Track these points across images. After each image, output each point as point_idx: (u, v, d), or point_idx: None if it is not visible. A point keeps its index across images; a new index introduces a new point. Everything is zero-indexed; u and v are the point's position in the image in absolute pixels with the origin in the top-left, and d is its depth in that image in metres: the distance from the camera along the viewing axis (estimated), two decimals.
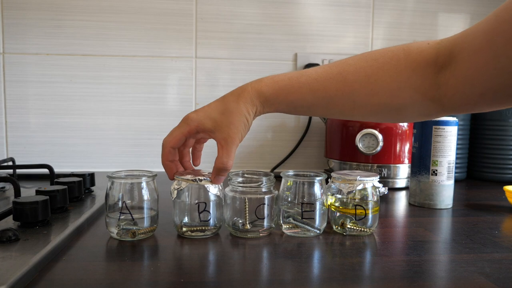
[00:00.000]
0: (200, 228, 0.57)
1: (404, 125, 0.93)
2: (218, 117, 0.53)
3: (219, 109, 0.53)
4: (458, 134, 0.99)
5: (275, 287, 0.43)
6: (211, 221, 0.57)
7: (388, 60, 0.50)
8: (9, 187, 0.83)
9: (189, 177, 0.55)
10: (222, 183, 0.57)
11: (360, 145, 0.93)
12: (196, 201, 0.56)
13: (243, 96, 0.53)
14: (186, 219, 0.57)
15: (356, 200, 0.60)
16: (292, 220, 0.59)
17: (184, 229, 0.57)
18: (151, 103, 1.11)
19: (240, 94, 0.53)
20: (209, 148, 1.12)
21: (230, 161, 0.52)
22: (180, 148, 0.59)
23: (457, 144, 0.91)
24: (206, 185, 0.55)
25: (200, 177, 0.54)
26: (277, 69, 1.13)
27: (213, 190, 0.56)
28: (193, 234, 0.57)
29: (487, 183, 1.04)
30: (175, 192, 0.56)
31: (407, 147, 0.94)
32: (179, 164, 0.59)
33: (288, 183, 0.60)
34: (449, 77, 0.46)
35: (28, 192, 0.71)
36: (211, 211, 0.57)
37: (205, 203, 0.56)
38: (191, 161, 0.62)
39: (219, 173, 0.53)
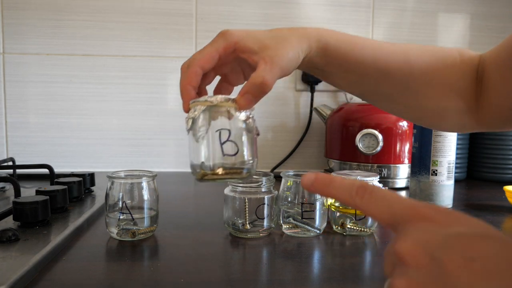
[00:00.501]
0: (223, 168, 0.39)
1: (404, 125, 0.93)
2: (265, 40, 0.42)
3: (267, 34, 0.43)
4: (458, 134, 0.99)
5: (275, 287, 0.43)
6: (244, 160, 0.40)
7: (447, 56, 0.49)
8: (9, 187, 0.83)
9: (206, 98, 0.40)
10: (252, 112, 0.42)
11: (360, 145, 0.93)
12: (218, 129, 0.39)
13: (300, 31, 0.44)
14: (205, 158, 0.40)
15: None
16: (292, 220, 0.59)
17: (202, 171, 0.40)
18: (151, 103, 1.11)
19: (297, 29, 0.44)
20: None
21: (271, 79, 0.39)
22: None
23: (457, 144, 0.91)
24: (230, 108, 0.40)
25: (221, 97, 0.40)
26: None
27: (241, 115, 0.40)
28: (215, 177, 0.40)
29: (487, 183, 1.04)
30: (190, 121, 0.41)
31: (407, 147, 0.94)
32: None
33: (288, 183, 0.60)
34: (484, 89, 0.47)
35: (28, 192, 0.71)
36: (239, 145, 0.40)
37: (229, 130, 0.40)
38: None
39: (252, 91, 0.39)
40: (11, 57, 1.06)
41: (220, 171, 0.39)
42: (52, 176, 0.78)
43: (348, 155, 0.96)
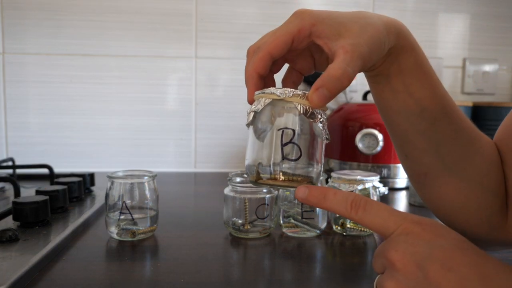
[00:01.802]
0: (283, 174, 0.34)
1: None
2: (346, 22, 0.35)
3: (349, 15, 0.36)
4: None
5: (275, 287, 0.43)
6: (306, 163, 0.35)
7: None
8: (9, 187, 0.83)
9: (273, 90, 0.35)
10: (325, 112, 0.36)
11: (360, 145, 0.93)
12: (281, 127, 0.34)
13: (389, 20, 0.38)
14: (265, 159, 0.35)
15: None
16: (292, 220, 0.59)
17: (259, 174, 0.35)
18: (151, 103, 1.11)
19: (384, 16, 0.38)
20: (210, 148, 1.13)
21: (352, 72, 0.33)
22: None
23: None
24: (298, 106, 0.34)
25: (290, 90, 0.34)
26: None
27: (311, 116, 0.34)
28: (271, 182, 0.35)
29: None
30: (251, 115, 0.35)
31: None
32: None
33: None
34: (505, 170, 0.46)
35: (28, 192, 0.72)
36: (303, 149, 0.34)
37: (294, 131, 0.34)
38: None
39: (328, 84, 0.32)
40: (11, 57, 1.06)
41: (279, 177, 0.35)
42: (52, 176, 0.78)
43: (348, 155, 0.96)
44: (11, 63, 1.06)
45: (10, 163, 0.92)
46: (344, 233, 0.60)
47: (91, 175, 0.81)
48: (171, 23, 1.09)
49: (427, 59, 0.41)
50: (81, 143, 1.09)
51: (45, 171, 0.79)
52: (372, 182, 0.59)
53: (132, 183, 0.56)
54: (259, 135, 0.35)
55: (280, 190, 0.59)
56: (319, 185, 0.37)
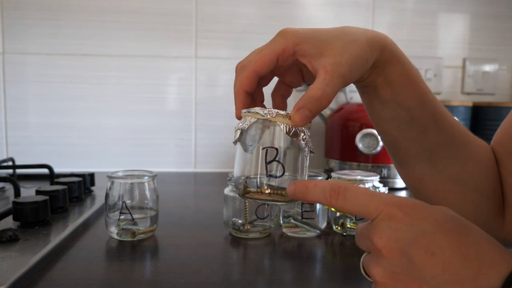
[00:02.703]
0: (270, 188, 0.36)
1: None
2: (329, 40, 0.36)
3: (332, 32, 0.37)
4: None
5: (275, 287, 0.43)
6: (289, 179, 0.36)
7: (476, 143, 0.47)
8: (9, 187, 0.83)
9: (258, 110, 0.36)
10: (308, 131, 0.37)
11: (360, 145, 0.93)
12: (266, 146, 0.36)
13: (372, 32, 0.39)
14: (251, 174, 0.37)
15: None
16: (292, 220, 0.59)
17: (246, 188, 0.37)
18: (151, 103, 1.11)
19: (368, 30, 0.39)
20: (210, 148, 1.13)
21: (331, 92, 0.34)
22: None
23: None
24: (281, 125, 0.36)
25: (275, 111, 0.36)
26: None
27: (294, 135, 0.36)
28: (257, 196, 0.37)
29: None
30: (238, 132, 0.38)
31: None
32: (253, 103, 0.41)
33: None
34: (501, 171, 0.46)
35: (28, 192, 0.71)
36: (287, 166, 0.36)
37: (277, 149, 0.36)
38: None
39: (308, 105, 0.34)
40: (11, 57, 1.06)
41: (265, 190, 0.36)
42: (52, 176, 0.78)
43: (348, 155, 0.96)
44: (11, 63, 1.06)
45: (10, 163, 0.92)
46: (344, 233, 0.60)
47: (91, 175, 0.81)
48: (171, 23, 1.09)
49: (414, 69, 0.42)
50: (81, 143, 1.09)
51: (45, 171, 0.79)
52: (372, 182, 0.59)
53: (132, 183, 0.56)
54: (246, 150, 0.37)
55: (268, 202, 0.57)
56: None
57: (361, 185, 0.59)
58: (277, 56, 0.37)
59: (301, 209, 0.58)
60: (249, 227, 0.57)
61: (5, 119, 1.07)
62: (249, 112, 0.37)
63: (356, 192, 0.31)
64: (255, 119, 0.36)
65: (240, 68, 0.40)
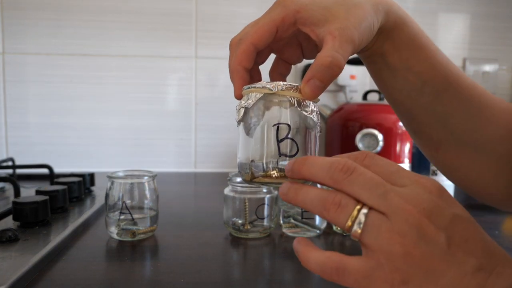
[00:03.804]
0: (278, 170, 0.33)
1: None
2: (331, 6, 0.34)
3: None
4: None
5: (275, 287, 0.43)
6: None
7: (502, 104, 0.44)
8: (9, 187, 0.83)
9: (264, 84, 0.33)
10: (316, 103, 0.34)
11: (360, 145, 0.93)
12: (276, 123, 0.32)
13: None
14: (257, 156, 0.33)
15: None
16: (292, 220, 0.59)
17: (253, 171, 0.33)
18: (151, 103, 1.11)
19: None
20: (210, 148, 1.13)
21: (342, 59, 0.32)
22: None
23: None
24: (291, 99, 0.32)
25: (282, 84, 0.33)
26: None
27: (304, 109, 0.33)
28: (267, 180, 0.33)
29: None
30: (242, 111, 0.34)
31: (407, 147, 0.94)
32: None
33: None
34: None
35: (28, 192, 0.71)
36: (298, 142, 0.33)
37: (289, 125, 0.32)
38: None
39: (319, 74, 0.31)
40: (11, 57, 1.06)
41: (274, 173, 0.33)
42: (52, 176, 0.78)
43: None
44: (11, 63, 1.06)
45: (10, 163, 0.92)
46: (344, 233, 0.60)
47: (91, 175, 0.81)
48: (171, 23, 1.09)
49: (422, 31, 0.40)
50: (81, 143, 1.09)
51: (45, 171, 0.79)
52: None
53: (132, 183, 0.56)
54: (251, 132, 0.34)
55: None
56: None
57: None
58: (276, 26, 0.34)
59: (301, 209, 0.58)
60: (249, 227, 0.57)
61: (5, 119, 1.07)
62: (254, 87, 0.33)
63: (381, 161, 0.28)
64: (261, 94, 0.33)
65: (235, 43, 0.37)
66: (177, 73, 1.10)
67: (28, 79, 1.07)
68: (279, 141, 0.32)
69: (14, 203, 0.56)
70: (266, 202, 0.57)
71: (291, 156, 0.33)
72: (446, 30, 1.19)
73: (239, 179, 0.59)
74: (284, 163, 0.32)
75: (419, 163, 0.78)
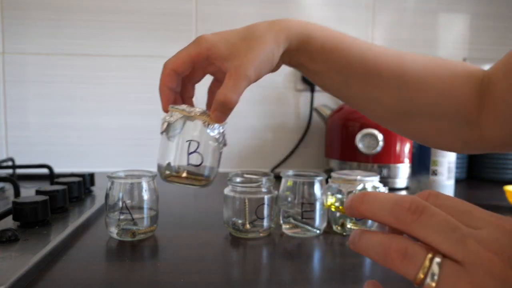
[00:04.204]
0: (188, 175, 0.44)
1: None
2: (237, 42, 0.41)
3: (241, 34, 0.42)
4: None
5: (275, 287, 0.43)
6: (206, 171, 0.44)
7: (446, 62, 0.46)
8: (9, 187, 0.83)
9: (184, 107, 0.44)
10: (224, 127, 0.45)
11: (360, 145, 0.93)
12: (188, 140, 0.43)
13: (279, 25, 0.42)
14: (172, 160, 0.44)
15: None
16: (292, 220, 0.59)
17: (167, 172, 0.44)
18: (151, 103, 1.11)
19: (276, 23, 0.43)
20: None
21: (234, 96, 0.39)
22: (184, 81, 0.47)
23: None
24: (203, 122, 0.43)
25: (198, 110, 0.43)
26: None
27: (213, 130, 0.43)
28: (176, 180, 0.44)
29: (487, 183, 1.04)
30: (165, 124, 0.45)
31: (407, 147, 0.94)
32: (179, 98, 0.48)
33: (288, 183, 0.60)
34: (489, 101, 0.44)
35: (28, 192, 0.71)
36: (204, 156, 0.44)
37: (198, 142, 0.43)
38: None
39: (218, 108, 0.40)
40: (11, 57, 1.06)
41: (183, 174, 0.43)
42: (52, 176, 0.78)
43: (348, 155, 0.96)
44: (11, 63, 1.06)
45: (10, 163, 0.92)
46: (344, 233, 0.60)
47: (91, 175, 0.81)
48: (171, 23, 1.09)
49: (330, 34, 0.45)
50: (81, 143, 1.09)
51: (45, 171, 0.79)
52: (372, 182, 0.59)
53: (132, 183, 0.56)
54: (170, 140, 0.45)
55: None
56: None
57: (361, 185, 0.58)
58: (192, 60, 0.43)
59: (301, 209, 0.58)
60: (249, 227, 0.57)
61: (5, 119, 1.07)
62: (177, 109, 0.43)
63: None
64: (181, 115, 0.43)
65: (163, 68, 0.45)
66: None
67: (28, 79, 1.07)
68: (189, 153, 0.43)
69: (14, 203, 0.56)
70: (266, 202, 0.57)
71: (196, 166, 0.43)
72: (446, 30, 1.19)
73: (239, 179, 0.59)
74: (192, 170, 0.43)
75: (419, 163, 0.78)
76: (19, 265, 0.42)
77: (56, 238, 0.51)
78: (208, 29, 1.10)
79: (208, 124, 0.43)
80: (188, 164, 0.43)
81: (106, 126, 1.10)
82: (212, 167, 0.45)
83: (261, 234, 0.58)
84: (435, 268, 0.22)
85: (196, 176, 0.44)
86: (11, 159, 0.93)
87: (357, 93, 0.47)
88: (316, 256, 0.52)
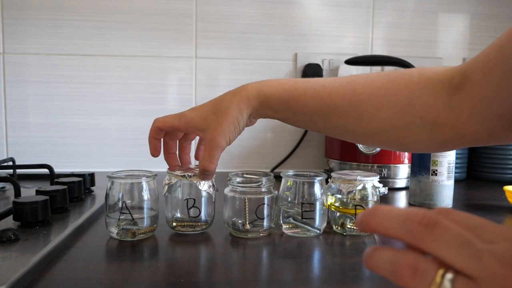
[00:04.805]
0: (190, 224, 0.58)
1: None
2: (209, 117, 0.52)
3: (212, 108, 0.52)
4: None
5: (275, 287, 0.43)
6: (202, 217, 0.58)
7: (400, 75, 0.48)
8: (9, 187, 0.83)
9: (179, 172, 0.56)
10: (213, 179, 0.58)
11: (360, 145, 0.93)
12: (186, 198, 0.57)
13: (239, 95, 0.51)
14: (177, 214, 0.58)
15: (356, 200, 0.60)
16: (292, 220, 0.59)
17: (174, 223, 0.59)
18: (151, 103, 1.11)
19: (237, 93, 0.52)
20: None
21: (211, 165, 0.52)
22: (180, 140, 0.60)
23: None
24: (195, 182, 0.56)
25: (189, 173, 0.56)
26: (277, 69, 1.13)
27: (203, 186, 0.56)
28: (183, 229, 0.58)
29: (487, 183, 1.04)
30: (166, 187, 0.57)
31: None
32: (176, 158, 0.60)
33: (288, 183, 0.60)
34: (464, 98, 0.44)
35: (28, 192, 0.71)
36: (202, 208, 0.58)
37: (194, 199, 0.57)
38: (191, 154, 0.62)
39: (201, 174, 0.54)
40: (11, 57, 1.06)
41: (186, 224, 0.58)
42: (52, 176, 0.78)
43: (348, 155, 0.96)
44: (11, 63, 1.06)
45: (10, 163, 0.92)
46: (344, 233, 0.60)
47: (91, 175, 0.81)
48: (171, 23, 1.09)
49: (284, 85, 0.51)
50: (81, 143, 1.09)
51: (45, 171, 0.79)
52: (372, 182, 0.59)
53: (132, 183, 0.56)
54: (173, 198, 0.58)
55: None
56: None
57: (361, 185, 0.59)
58: (173, 128, 0.55)
59: (301, 209, 0.58)
60: (249, 227, 0.57)
61: (5, 119, 1.07)
62: (173, 174, 0.57)
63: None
64: (178, 179, 0.57)
65: (153, 123, 0.56)
66: (177, 73, 1.10)
67: (28, 79, 1.07)
68: (188, 208, 0.57)
69: (14, 203, 0.56)
70: (266, 202, 0.57)
71: (195, 217, 0.58)
72: (446, 30, 1.19)
73: (239, 179, 0.59)
74: (192, 219, 0.58)
75: (419, 163, 0.78)
76: (19, 265, 0.42)
77: (56, 238, 0.51)
78: (208, 29, 1.10)
79: (201, 183, 0.56)
80: (190, 217, 0.57)
81: (106, 126, 1.10)
82: (208, 213, 0.59)
83: (261, 234, 0.58)
84: (447, 284, 0.21)
85: (197, 223, 0.58)
86: (11, 159, 0.93)
87: (325, 127, 0.52)
88: (316, 256, 0.52)
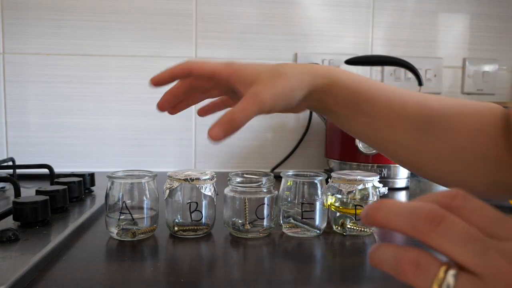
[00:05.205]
0: (192, 227, 0.57)
1: None
2: (263, 73, 0.43)
3: (269, 68, 0.44)
4: None
5: (275, 287, 0.43)
6: (203, 221, 0.57)
7: (470, 102, 0.45)
8: (9, 187, 0.83)
9: (180, 176, 0.55)
10: (214, 183, 0.56)
11: (360, 145, 0.93)
12: (188, 201, 0.56)
13: (308, 68, 0.44)
14: (178, 218, 0.57)
15: (356, 200, 0.60)
16: (292, 220, 0.59)
17: (176, 228, 0.57)
18: (151, 103, 1.09)
19: (304, 65, 0.45)
20: (210, 148, 1.13)
21: (242, 118, 0.39)
22: (196, 93, 0.51)
23: None
24: (197, 185, 0.55)
25: (191, 177, 0.55)
26: None
27: (205, 190, 0.55)
28: (185, 233, 0.57)
29: None
30: (167, 191, 0.56)
31: None
32: (174, 102, 0.52)
33: (288, 183, 0.60)
34: None
35: (28, 192, 0.71)
36: (203, 211, 0.57)
37: (197, 203, 0.56)
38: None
39: (222, 123, 0.39)
40: (11, 57, 1.06)
41: (188, 228, 0.57)
42: (52, 176, 0.78)
43: (348, 155, 0.96)
44: (11, 63, 1.06)
45: (10, 163, 0.92)
46: (344, 233, 0.60)
47: (91, 175, 0.81)
48: (171, 23, 1.09)
49: (355, 78, 0.45)
50: (81, 143, 1.09)
51: (45, 171, 0.79)
52: (372, 182, 0.59)
53: (132, 183, 0.56)
54: (175, 202, 0.57)
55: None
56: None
57: (361, 185, 0.59)
58: (214, 72, 0.46)
59: (301, 209, 0.58)
60: (249, 227, 0.57)
61: (5, 119, 1.07)
62: (175, 177, 0.56)
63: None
64: (179, 183, 0.55)
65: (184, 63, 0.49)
66: None
67: (28, 79, 1.07)
68: (191, 212, 0.56)
69: (14, 203, 0.56)
70: (266, 202, 0.57)
71: (197, 221, 0.56)
72: (446, 30, 1.19)
73: (239, 179, 0.59)
74: (193, 223, 0.57)
75: None
76: (19, 265, 0.42)
77: (56, 238, 0.51)
78: (208, 29, 1.10)
79: (203, 187, 0.55)
80: (192, 221, 0.56)
81: (106, 126, 1.10)
82: (210, 217, 0.58)
83: (261, 234, 0.58)
84: (450, 280, 0.21)
85: (198, 227, 0.57)
86: (11, 159, 0.93)
87: (384, 137, 0.45)
88: (316, 256, 0.52)
